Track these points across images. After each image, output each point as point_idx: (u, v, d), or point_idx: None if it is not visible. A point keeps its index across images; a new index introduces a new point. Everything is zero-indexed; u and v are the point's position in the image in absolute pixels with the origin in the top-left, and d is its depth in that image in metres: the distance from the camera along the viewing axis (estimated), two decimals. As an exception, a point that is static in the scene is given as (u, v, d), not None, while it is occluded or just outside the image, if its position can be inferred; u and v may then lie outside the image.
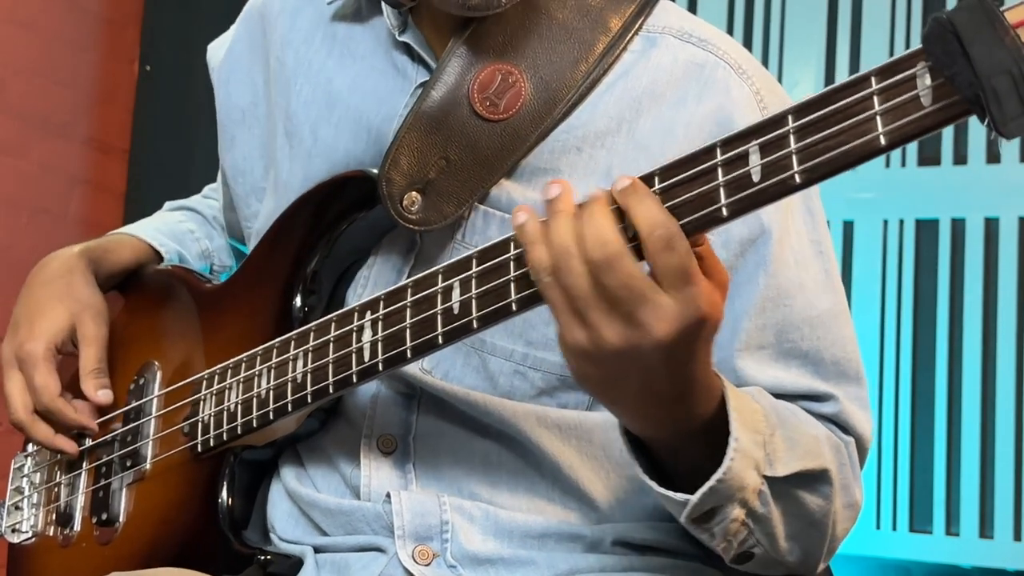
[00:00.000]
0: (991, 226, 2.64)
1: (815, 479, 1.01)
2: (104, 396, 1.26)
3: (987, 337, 2.62)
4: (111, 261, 1.35)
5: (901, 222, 2.72)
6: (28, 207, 3.26)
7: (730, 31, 2.91)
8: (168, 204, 1.53)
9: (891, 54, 2.57)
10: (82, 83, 3.44)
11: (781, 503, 0.98)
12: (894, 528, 2.62)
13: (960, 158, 2.66)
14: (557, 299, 0.86)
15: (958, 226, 2.67)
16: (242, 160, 1.29)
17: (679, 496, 0.94)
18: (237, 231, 1.39)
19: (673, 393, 0.90)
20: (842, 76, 2.64)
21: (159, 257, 1.38)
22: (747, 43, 2.85)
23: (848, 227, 2.75)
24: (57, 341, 1.27)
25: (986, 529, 2.56)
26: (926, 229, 2.71)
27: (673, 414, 0.92)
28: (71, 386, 1.30)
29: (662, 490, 0.95)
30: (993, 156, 2.64)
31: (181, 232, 1.44)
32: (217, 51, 1.35)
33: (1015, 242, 2.61)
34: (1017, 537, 2.52)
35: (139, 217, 1.49)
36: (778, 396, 1.07)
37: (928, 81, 0.73)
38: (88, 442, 1.29)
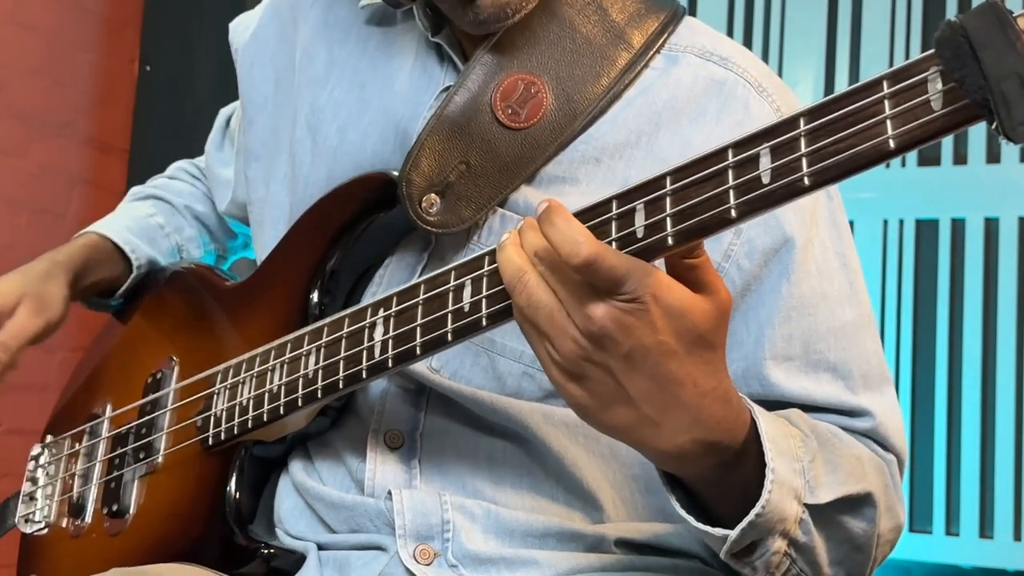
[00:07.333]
0: (991, 226, 2.64)
1: (859, 503, 1.00)
2: None
3: (987, 337, 2.62)
4: (90, 278, 1.41)
5: (901, 222, 2.73)
6: (28, 207, 3.25)
7: (730, 31, 2.91)
8: (134, 191, 1.54)
9: (891, 54, 2.59)
10: (82, 83, 3.43)
11: (824, 530, 0.97)
12: (894, 527, 2.62)
13: (960, 158, 2.67)
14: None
15: (958, 226, 2.68)
16: (259, 145, 1.30)
17: (718, 531, 0.92)
18: (242, 212, 1.40)
19: (693, 409, 0.86)
20: (842, 76, 2.65)
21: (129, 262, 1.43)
22: (747, 43, 2.84)
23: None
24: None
25: (986, 529, 2.56)
26: (926, 229, 2.71)
27: (694, 435, 0.87)
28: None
29: (700, 525, 0.93)
30: (993, 156, 2.64)
31: (151, 228, 1.46)
32: (243, 32, 1.36)
33: (1015, 242, 2.61)
34: (1017, 537, 2.52)
35: (139, 217, 1.50)
36: (808, 408, 1.07)
37: (939, 85, 0.73)
38: (105, 433, 1.31)
